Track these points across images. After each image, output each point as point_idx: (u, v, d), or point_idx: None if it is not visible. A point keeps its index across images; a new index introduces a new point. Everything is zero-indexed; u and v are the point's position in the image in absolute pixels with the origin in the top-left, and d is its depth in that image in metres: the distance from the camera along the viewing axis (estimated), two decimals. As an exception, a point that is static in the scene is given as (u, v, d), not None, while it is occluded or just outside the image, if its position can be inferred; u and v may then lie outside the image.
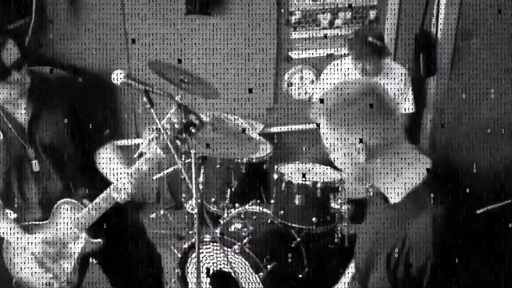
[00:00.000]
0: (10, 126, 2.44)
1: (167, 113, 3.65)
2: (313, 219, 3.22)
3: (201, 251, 3.11)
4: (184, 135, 2.36)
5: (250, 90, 4.49)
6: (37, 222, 2.53)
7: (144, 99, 2.31)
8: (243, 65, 4.45)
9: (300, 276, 3.27)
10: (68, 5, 4.14)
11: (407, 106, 4.00)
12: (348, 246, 3.34)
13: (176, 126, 2.36)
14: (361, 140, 1.73)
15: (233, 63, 4.43)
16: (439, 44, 4.44)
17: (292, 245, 3.31)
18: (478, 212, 1.94)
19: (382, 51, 3.76)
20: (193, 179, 2.36)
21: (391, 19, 4.58)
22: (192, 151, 2.34)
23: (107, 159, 2.59)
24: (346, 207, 3.17)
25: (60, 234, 2.52)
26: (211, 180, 3.73)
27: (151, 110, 2.33)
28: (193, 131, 2.38)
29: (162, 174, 4.14)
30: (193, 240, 2.93)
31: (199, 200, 2.36)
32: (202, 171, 3.66)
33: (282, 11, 4.45)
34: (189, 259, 3.24)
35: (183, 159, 3.51)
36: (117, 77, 2.34)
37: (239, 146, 3.52)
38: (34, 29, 3.93)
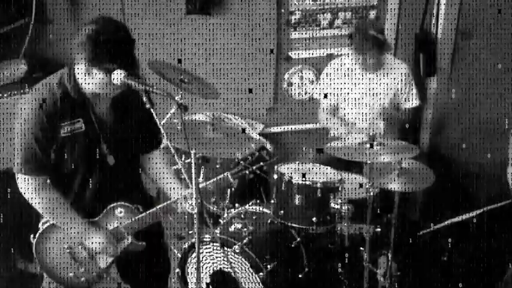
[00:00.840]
0: (94, 119, 2.49)
1: (167, 113, 3.68)
2: (313, 219, 3.22)
3: (201, 251, 3.11)
4: (254, 167, 2.63)
5: (250, 90, 4.49)
6: (89, 219, 2.58)
7: (144, 99, 2.32)
8: (243, 65, 4.45)
9: (300, 276, 3.27)
10: (68, 5, 4.14)
11: (411, 102, 4.00)
12: (348, 246, 3.35)
13: (250, 158, 2.67)
14: None
15: (233, 63, 4.43)
16: (439, 44, 4.44)
17: (292, 245, 3.31)
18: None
19: (383, 44, 3.75)
20: (193, 179, 2.36)
21: (391, 19, 4.58)
22: (192, 151, 2.34)
23: (158, 164, 2.71)
24: (346, 207, 3.17)
25: (108, 235, 2.57)
26: (216, 185, 3.72)
27: (152, 110, 2.33)
28: (262, 164, 2.69)
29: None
30: (193, 240, 2.93)
31: (199, 200, 2.36)
32: (202, 171, 3.66)
33: (282, 11, 4.45)
34: (189, 259, 3.24)
35: (183, 159, 3.51)
36: (117, 77, 2.34)
37: (239, 146, 3.52)
38: (34, 29, 3.93)
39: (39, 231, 2.60)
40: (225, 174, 2.67)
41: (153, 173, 2.73)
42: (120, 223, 2.59)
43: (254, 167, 2.60)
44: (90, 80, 2.39)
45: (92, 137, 2.50)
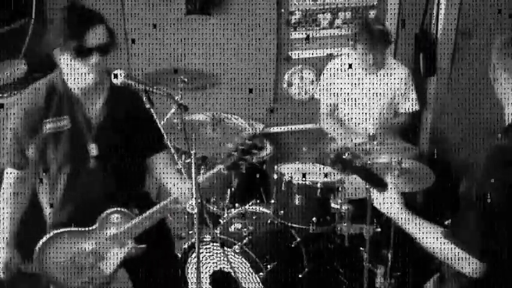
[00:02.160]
0: (81, 118, 2.46)
1: (167, 113, 3.68)
2: (313, 219, 3.22)
3: (201, 251, 3.11)
4: (248, 156, 2.51)
5: (250, 90, 4.49)
6: (84, 229, 2.53)
7: (144, 99, 2.32)
8: (243, 65, 4.45)
9: (300, 276, 3.27)
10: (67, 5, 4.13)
11: (409, 105, 4.00)
12: (348, 246, 3.35)
13: (242, 147, 2.50)
14: None
15: (233, 63, 4.43)
16: (439, 44, 4.44)
17: (292, 245, 3.31)
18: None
19: (389, 36, 3.74)
20: (193, 179, 2.36)
21: (391, 19, 4.58)
22: (192, 151, 2.34)
23: (164, 166, 2.67)
24: (346, 207, 3.17)
25: (106, 242, 2.54)
26: (211, 180, 3.72)
27: (152, 110, 2.33)
28: (255, 152, 2.53)
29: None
30: (193, 240, 2.93)
31: (199, 200, 2.36)
32: (202, 171, 3.66)
33: (282, 11, 4.45)
34: (189, 259, 3.24)
35: (183, 159, 3.51)
36: (117, 77, 2.34)
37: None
38: (34, 29, 3.93)
39: (42, 241, 2.56)
40: (219, 167, 2.59)
41: (158, 174, 2.70)
42: (118, 229, 2.54)
43: (248, 157, 2.53)
44: (68, 70, 2.38)
45: (79, 137, 2.47)
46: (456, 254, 1.95)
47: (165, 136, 2.36)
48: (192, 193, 2.36)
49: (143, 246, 2.59)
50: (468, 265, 1.94)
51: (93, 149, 2.49)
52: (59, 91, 2.45)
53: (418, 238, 2.10)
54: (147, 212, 2.54)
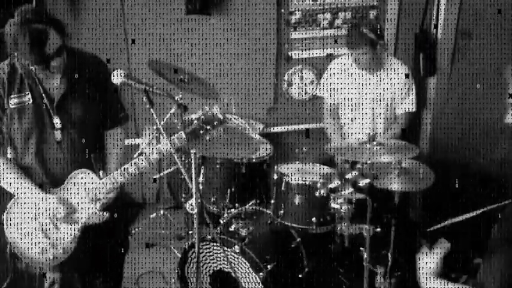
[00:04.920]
0: (42, 93, 2.58)
1: (167, 113, 3.67)
2: (313, 219, 3.22)
3: (201, 251, 3.11)
4: (208, 126, 2.55)
5: (250, 91, 4.50)
6: (52, 188, 2.63)
7: (144, 99, 2.32)
8: (243, 65, 4.45)
9: (300, 276, 3.27)
10: (68, 5, 4.14)
11: (408, 105, 4.00)
12: (348, 246, 3.35)
13: (204, 117, 2.55)
14: None
15: (233, 63, 4.43)
16: (439, 44, 4.44)
17: (292, 245, 3.31)
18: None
19: (375, 43, 3.77)
20: (193, 179, 2.36)
21: (391, 19, 4.58)
22: (192, 151, 2.34)
23: (114, 142, 2.76)
24: (346, 207, 3.16)
25: (71, 201, 2.60)
26: (211, 180, 3.73)
27: (151, 110, 2.33)
28: (216, 123, 2.56)
29: (162, 174, 4.15)
30: (193, 240, 2.93)
31: (199, 200, 2.36)
32: (202, 171, 3.66)
33: (282, 11, 4.45)
34: (189, 259, 3.24)
35: (183, 159, 3.51)
36: (117, 77, 2.35)
37: (239, 146, 3.52)
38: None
39: (7, 208, 2.64)
40: (180, 133, 2.58)
41: (108, 149, 2.77)
42: (85, 188, 2.61)
43: (208, 127, 2.55)
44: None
45: (41, 111, 2.58)
46: None
47: (126, 111, 2.55)
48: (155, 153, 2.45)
49: (107, 214, 2.63)
50: None
51: (57, 122, 2.59)
52: (18, 70, 2.57)
53: None
54: (109, 175, 2.60)
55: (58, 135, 2.60)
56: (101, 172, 2.65)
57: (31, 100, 2.58)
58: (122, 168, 2.59)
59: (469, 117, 4.17)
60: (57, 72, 2.55)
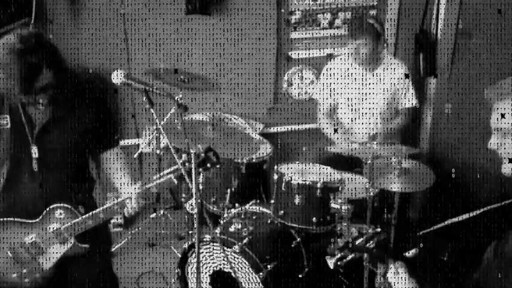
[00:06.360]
0: (23, 119, 2.43)
1: (167, 113, 3.68)
2: (313, 219, 3.22)
3: (201, 251, 3.11)
4: (200, 169, 2.47)
5: (250, 91, 4.49)
6: (27, 220, 2.50)
7: (144, 99, 2.32)
8: (243, 65, 4.45)
9: (300, 276, 3.27)
10: (68, 5, 4.14)
11: (408, 101, 4.00)
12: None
13: (195, 160, 2.43)
14: None
15: (233, 63, 4.43)
16: (439, 44, 4.44)
17: (292, 245, 3.31)
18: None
19: (378, 34, 3.75)
20: (193, 179, 2.36)
21: (391, 19, 4.58)
22: (192, 151, 2.34)
23: (114, 163, 2.63)
24: (346, 207, 3.16)
25: (48, 236, 2.50)
26: (211, 180, 3.73)
27: (151, 110, 2.33)
28: (208, 166, 2.48)
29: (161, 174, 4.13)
30: (193, 240, 2.93)
31: (199, 200, 2.36)
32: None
33: (282, 11, 4.45)
34: (189, 259, 3.24)
35: (183, 159, 3.50)
36: (117, 77, 2.35)
37: (239, 146, 3.52)
38: (34, 29, 3.93)
39: None
40: (168, 176, 2.50)
41: (108, 173, 2.65)
42: (62, 224, 2.49)
43: (200, 169, 2.50)
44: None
45: (20, 137, 2.44)
46: None
47: (117, 132, 2.41)
48: (138, 201, 2.38)
49: (86, 246, 2.55)
50: None
51: (34, 152, 2.46)
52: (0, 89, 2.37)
53: None
54: (92, 212, 2.48)
55: (35, 165, 2.47)
56: (79, 207, 2.54)
57: (9, 124, 2.41)
58: (105, 206, 2.47)
59: (469, 117, 4.17)
60: (43, 105, 2.40)
